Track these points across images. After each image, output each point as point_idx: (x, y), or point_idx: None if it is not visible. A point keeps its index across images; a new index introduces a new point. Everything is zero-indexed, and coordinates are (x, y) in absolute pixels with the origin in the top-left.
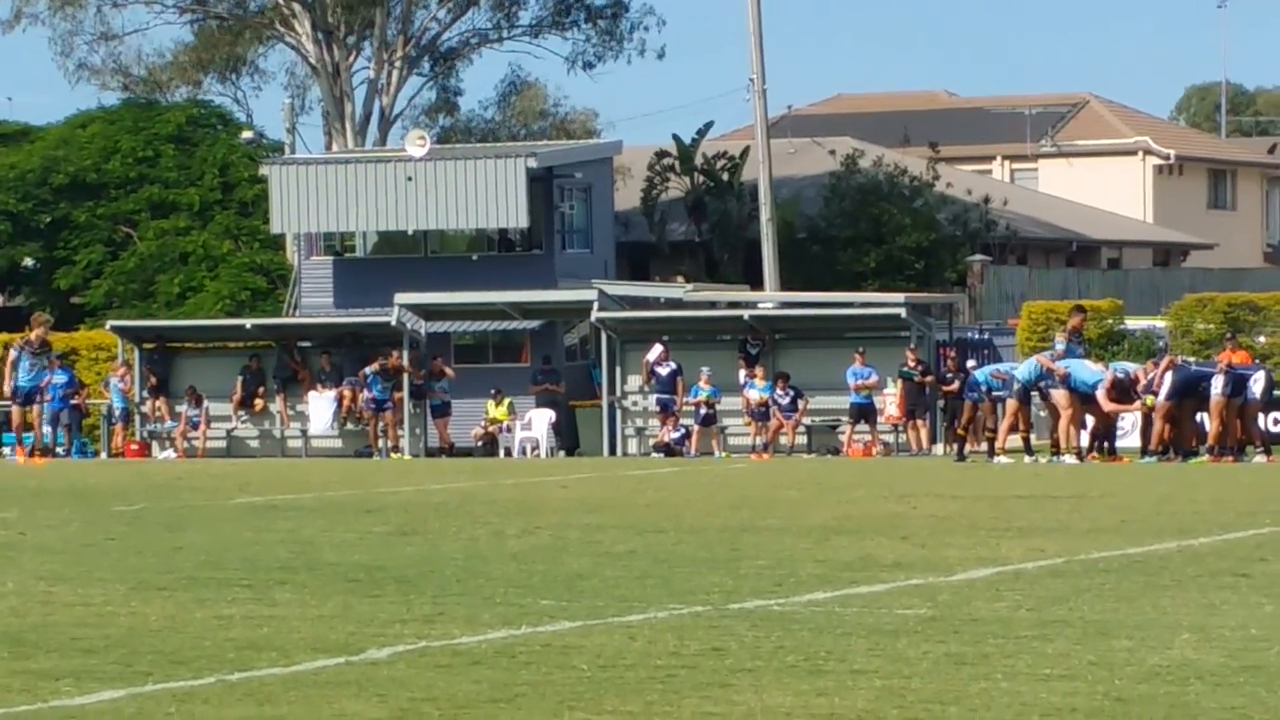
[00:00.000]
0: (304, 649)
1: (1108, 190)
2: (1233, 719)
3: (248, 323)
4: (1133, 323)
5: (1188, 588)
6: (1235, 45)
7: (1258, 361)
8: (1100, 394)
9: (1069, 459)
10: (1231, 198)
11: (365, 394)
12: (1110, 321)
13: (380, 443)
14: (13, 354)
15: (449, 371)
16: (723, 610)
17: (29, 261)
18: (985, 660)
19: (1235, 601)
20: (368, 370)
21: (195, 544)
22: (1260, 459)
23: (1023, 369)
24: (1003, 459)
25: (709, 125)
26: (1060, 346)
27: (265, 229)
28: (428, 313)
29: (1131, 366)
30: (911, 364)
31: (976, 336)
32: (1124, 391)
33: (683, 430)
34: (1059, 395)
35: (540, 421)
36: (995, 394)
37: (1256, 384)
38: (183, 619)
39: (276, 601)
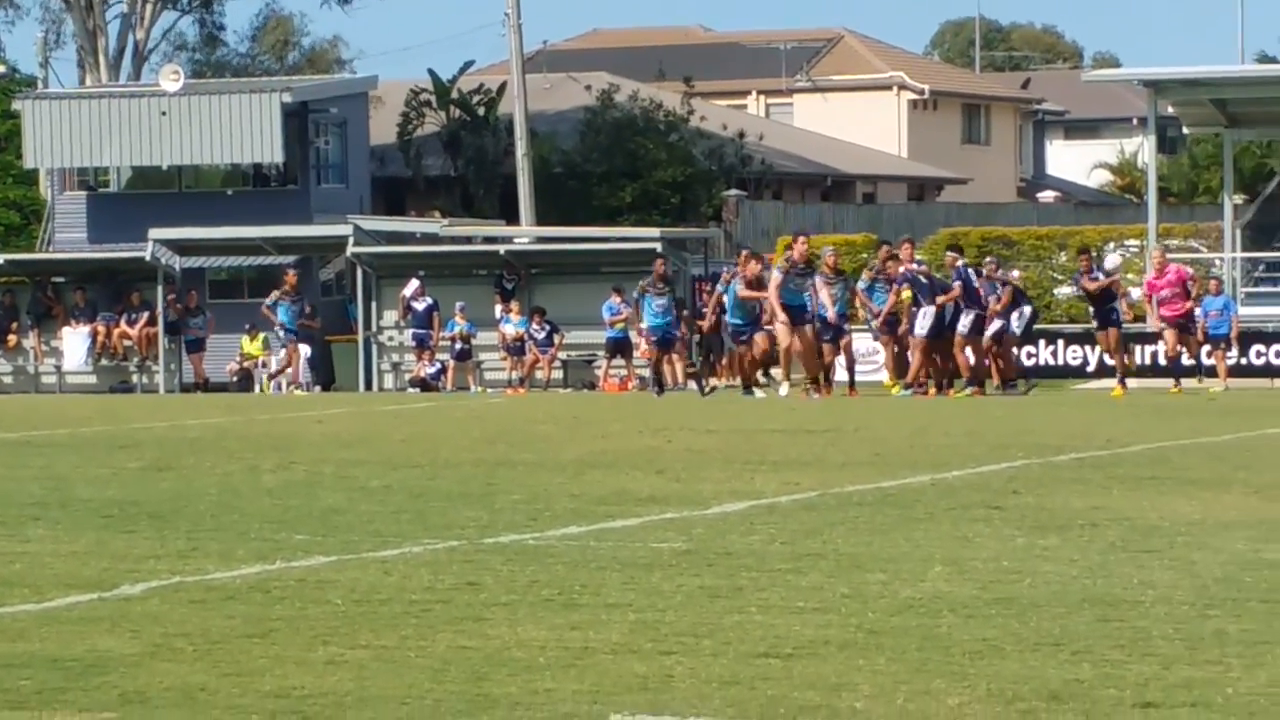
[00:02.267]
0: (57, 585)
1: (863, 125)
2: (985, 650)
3: (0, 258)
4: None
5: (940, 521)
6: None
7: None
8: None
9: (815, 395)
10: (985, 133)
11: (278, 323)
12: (865, 256)
13: (281, 377)
14: None
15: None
16: (478, 545)
17: None
18: (739, 593)
19: (988, 534)
20: (270, 301)
21: None
22: (1016, 393)
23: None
24: (758, 393)
25: (469, 64)
26: (778, 275)
27: (18, 164)
28: (183, 248)
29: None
30: None
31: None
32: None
33: (439, 365)
34: (778, 329)
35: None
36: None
37: (1019, 319)
38: None
39: (29, 538)
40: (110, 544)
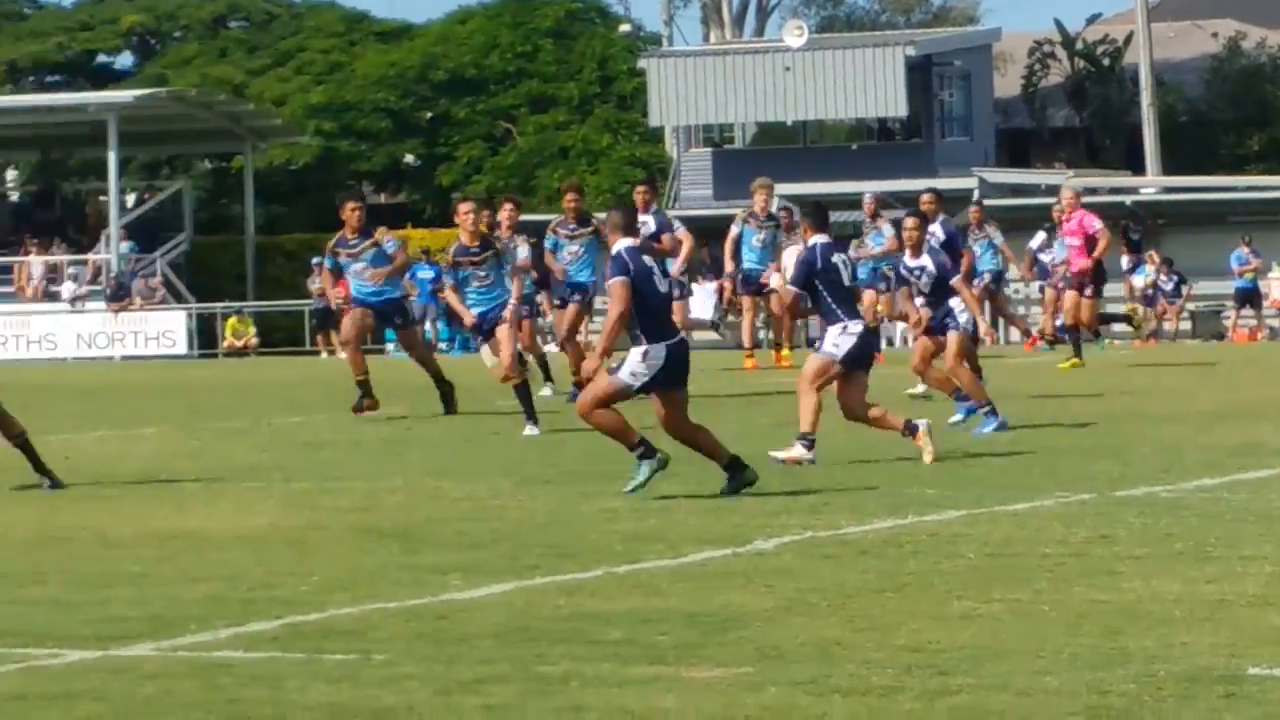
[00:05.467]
0: (691, 540)
1: None
2: None
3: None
4: None
5: None
6: None
7: None
8: None
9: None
10: None
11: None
12: None
13: None
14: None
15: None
16: (1109, 498)
17: (410, 158)
18: None
19: None
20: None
21: (574, 440)
22: None
23: None
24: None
25: (1096, 15)
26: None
27: (644, 122)
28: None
29: None
30: None
31: None
32: None
33: None
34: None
35: None
36: None
37: None
38: (567, 513)
39: (663, 492)
40: (742, 500)
